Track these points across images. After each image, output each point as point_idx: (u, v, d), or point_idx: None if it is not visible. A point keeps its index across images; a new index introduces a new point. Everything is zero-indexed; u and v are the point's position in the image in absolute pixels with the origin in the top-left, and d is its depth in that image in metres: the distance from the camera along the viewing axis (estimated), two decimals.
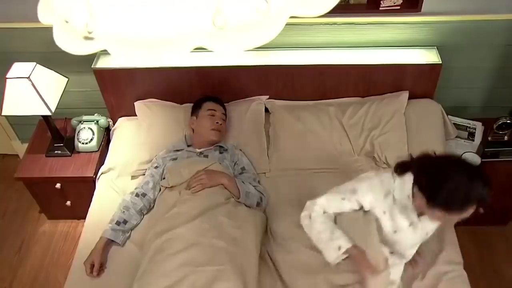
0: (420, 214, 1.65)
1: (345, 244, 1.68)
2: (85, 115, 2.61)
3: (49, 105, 2.27)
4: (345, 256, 1.71)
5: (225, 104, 2.43)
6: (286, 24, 0.80)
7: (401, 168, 1.66)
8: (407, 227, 1.67)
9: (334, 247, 1.69)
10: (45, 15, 0.88)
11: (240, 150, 2.37)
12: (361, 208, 1.72)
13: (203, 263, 1.80)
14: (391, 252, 1.73)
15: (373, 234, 1.68)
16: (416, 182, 1.59)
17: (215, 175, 2.10)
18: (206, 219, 1.93)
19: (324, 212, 1.77)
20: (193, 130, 2.38)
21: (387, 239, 1.70)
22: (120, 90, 2.49)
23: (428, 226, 1.70)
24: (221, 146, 2.32)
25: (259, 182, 2.29)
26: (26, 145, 2.69)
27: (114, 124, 2.63)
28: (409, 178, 1.61)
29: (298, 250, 1.90)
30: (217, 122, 2.30)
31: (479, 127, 2.54)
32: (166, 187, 2.13)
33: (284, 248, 1.96)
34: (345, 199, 1.73)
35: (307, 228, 1.80)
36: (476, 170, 1.50)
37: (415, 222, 1.66)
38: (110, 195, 2.28)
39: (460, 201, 1.46)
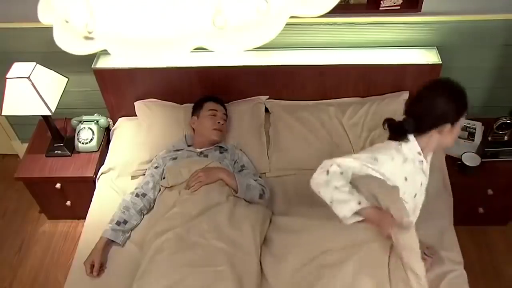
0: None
1: (365, 203, 1.63)
2: (85, 115, 2.61)
3: (49, 105, 2.27)
4: (361, 219, 1.65)
5: (225, 104, 2.43)
6: (286, 24, 0.80)
7: (398, 135, 1.72)
8: (420, 186, 1.73)
9: (354, 201, 1.63)
10: (45, 15, 0.88)
11: (240, 150, 2.38)
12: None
13: (202, 264, 1.80)
14: None
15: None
16: (424, 128, 1.69)
17: (213, 171, 2.10)
18: (205, 220, 1.93)
19: (341, 173, 1.68)
20: (193, 130, 2.39)
21: (407, 208, 1.70)
22: (120, 90, 2.49)
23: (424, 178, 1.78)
24: (221, 146, 2.32)
25: (260, 177, 2.29)
26: (26, 145, 2.69)
27: (114, 124, 2.63)
28: (411, 137, 1.70)
29: (304, 236, 1.88)
30: (218, 122, 2.30)
31: (479, 127, 2.54)
32: (166, 187, 2.14)
33: (290, 240, 1.92)
34: (365, 166, 1.66)
35: (323, 185, 1.66)
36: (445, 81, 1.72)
37: (423, 179, 1.74)
38: (110, 195, 2.28)
39: (465, 98, 1.68)
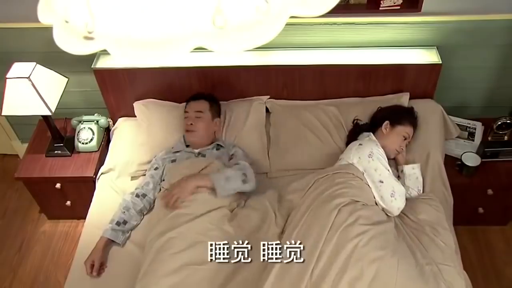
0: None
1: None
2: (85, 115, 2.61)
3: (49, 105, 2.27)
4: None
5: (225, 103, 2.43)
6: (286, 24, 0.80)
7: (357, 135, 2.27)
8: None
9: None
10: (45, 15, 0.88)
11: (237, 146, 2.36)
12: None
13: (205, 261, 1.80)
14: None
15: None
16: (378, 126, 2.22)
17: (184, 182, 2.00)
18: (208, 219, 1.94)
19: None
20: None
21: None
22: (120, 90, 2.49)
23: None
24: (218, 144, 2.32)
25: (251, 165, 2.20)
26: (26, 145, 2.69)
27: (114, 124, 2.63)
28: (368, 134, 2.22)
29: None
30: (190, 124, 2.26)
31: (479, 127, 2.54)
32: (167, 189, 2.12)
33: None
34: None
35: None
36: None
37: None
38: (110, 195, 2.28)
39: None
